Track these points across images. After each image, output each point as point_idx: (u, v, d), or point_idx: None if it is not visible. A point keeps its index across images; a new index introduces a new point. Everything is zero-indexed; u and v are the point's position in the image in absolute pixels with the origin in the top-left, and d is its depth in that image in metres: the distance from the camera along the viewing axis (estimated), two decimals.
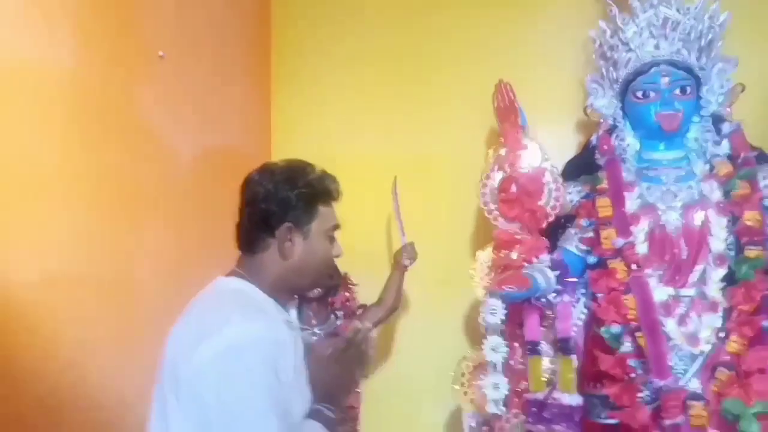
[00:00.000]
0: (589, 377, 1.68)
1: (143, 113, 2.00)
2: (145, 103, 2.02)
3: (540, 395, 1.64)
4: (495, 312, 1.49)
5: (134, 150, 1.91)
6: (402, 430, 2.36)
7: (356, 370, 1.11)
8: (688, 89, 1.69)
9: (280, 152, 2.89)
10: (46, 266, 1.56)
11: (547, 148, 1.91)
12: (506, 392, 1.51)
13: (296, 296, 1.11)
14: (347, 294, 2.03)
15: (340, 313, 2.00)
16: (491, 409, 1.49)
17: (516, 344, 1.78)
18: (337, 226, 1.10)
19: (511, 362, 1.77)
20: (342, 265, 2.32)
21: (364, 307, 2.04)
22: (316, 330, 1.99)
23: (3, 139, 1.50)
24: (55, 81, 1.67)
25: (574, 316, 1.78)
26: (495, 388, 1.50)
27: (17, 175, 1.55)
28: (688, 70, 1.71)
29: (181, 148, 2.20)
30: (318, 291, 1.86)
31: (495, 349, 1.50)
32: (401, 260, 2.01)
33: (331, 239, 1.10)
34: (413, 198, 2.43)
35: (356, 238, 2.49)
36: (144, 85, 2.01)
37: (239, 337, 0.93)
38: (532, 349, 1.70)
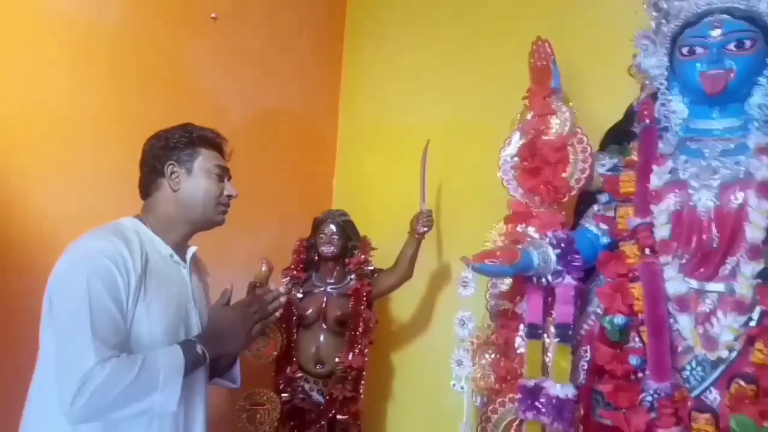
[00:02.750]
0: (595, 370, 1.51)
1: (190, 71, 2.15)
2: (193, 62, 2.17)
3: (531, 382, 1.51)
4: (467, 285, 1.39)
5: (177, 105, 2.07)
6: (432, 404, 2.34)
7: (251, 326, 1.15)
8: (748, 43, 1.38)
9: (348, 116, 2.93)
10: (80, 203, 1.77)
11: (602, 114, 1.71)
12: (469, 369, 1.41)
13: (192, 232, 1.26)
14: (364, 257, 2.03)
15: (353, 276, 2.02)
16: (455, 386, 1.41)
17: (523, 325, 1.65)
18: (222, 167, 1.23)
19: (516, 344, 1.66)
20: (387, 232, 2.33)
21: (379, 270, 2.03)
22: (329, 288, 2.03)
23: (48, 87, 1.72)
24: (101, 36, 1.87)
25: (594, 303, 1.60)
26: (459, 364, 1.41)
27: (63, 122, 1.78)
28: (753, 20, 1.39)
29: (233, 108, 2.32)
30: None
31: (463, 323, 1.40)
32: (417, 227, 1.95)
33: (219, 178, 1.22)
34: (470, 165, 2.34)
35: (407, 204, 2.50)
36: (192, 45, 2.15)
37: (79, 252, 1.06)
38: (532, 332, 1.56)
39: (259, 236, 2.38)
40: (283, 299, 1.16)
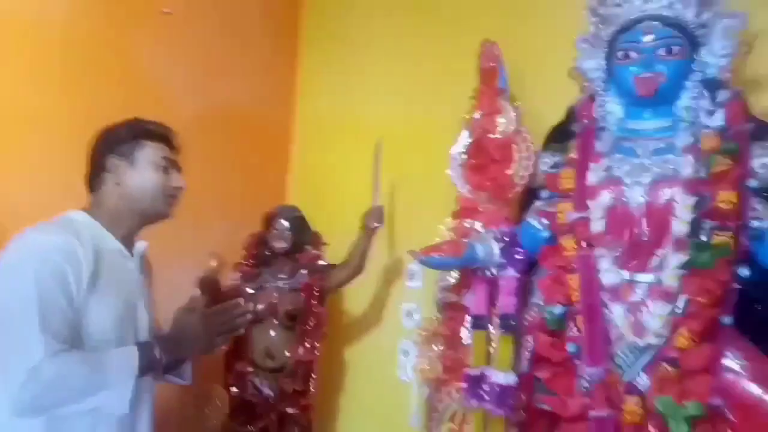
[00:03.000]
0: (536, 359, 1.58)
1: (141, 65, 2.12)
2: (144, 56, 2.13)
3: (476, 371, 1.57)
4: (414, 277, 1.43)
5: (128, 99, 2.03)
6: (384, 397, 2.37)
7: (214, 337, 1.15)
8: (677, 49, 1.48)
9: (304, 112, 2.94)
10: (29, 199, 1.72)
11: (547, 113, 1.78)
12: (414, 359, 1.45)
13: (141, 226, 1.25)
14: (315, 252, 2.05)
15: (304, 271, 2.03)
16: (401, 376, 1.45)
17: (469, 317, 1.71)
18: (168, 159, 1.22)
19: (461, 335, 1.71)
20: (343, 227, 2.35)
21: (331, 265, 2.06)
22: (280, 284, 2.04)
23: None
24: (49, 30, 1.82)
25: (536, 295, 1.67)
26: (405, 354, 1.45)
27: (11, 118, 1.73)
28: (681, 27, 1.49)
29: (185, 102, 2.29)
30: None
31: (409, 314, 1.44)
32: (368, 222, 1.99)
33: (165, 170, 1.21)
34: (423, 162, 2.38)
35: (363, 199, 2.53)
36: (143, 39, 2.12)
37: (27, 245, 1.04)
38: (476, 323, 1.62)
39: (210, 231, 2.36)
40: (249, 316, 1.17)
